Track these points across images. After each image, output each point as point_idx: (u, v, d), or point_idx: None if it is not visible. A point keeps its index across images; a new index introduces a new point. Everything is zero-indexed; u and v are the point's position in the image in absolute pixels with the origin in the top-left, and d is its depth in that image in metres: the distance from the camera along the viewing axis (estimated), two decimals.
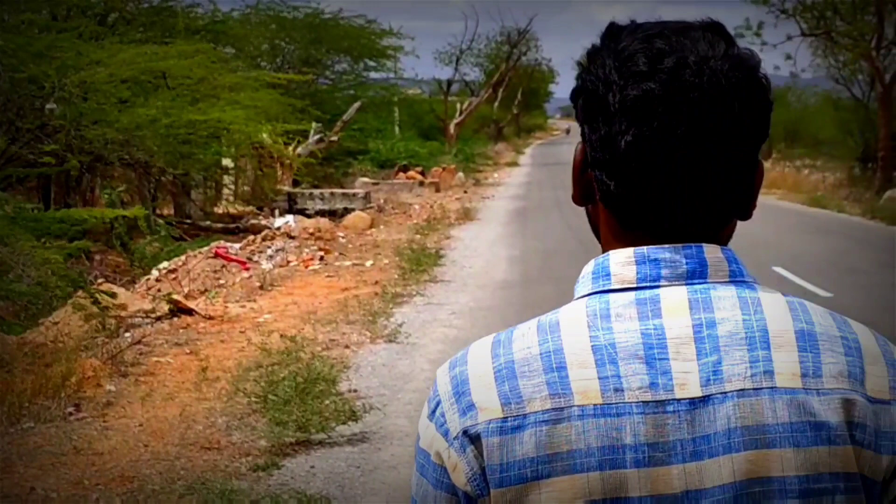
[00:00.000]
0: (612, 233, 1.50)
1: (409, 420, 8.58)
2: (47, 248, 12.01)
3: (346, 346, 11.27)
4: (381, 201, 30.96)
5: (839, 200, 32.94)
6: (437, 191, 37.49)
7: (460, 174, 43.79)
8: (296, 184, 29.87)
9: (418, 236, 22.41)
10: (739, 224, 1.55)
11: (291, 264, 18.05)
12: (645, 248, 1.45)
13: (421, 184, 38.07)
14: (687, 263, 1.44)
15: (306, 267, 17.73)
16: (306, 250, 19.54)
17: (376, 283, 15.68)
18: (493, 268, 17.49)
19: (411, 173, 40.33)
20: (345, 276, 16.66)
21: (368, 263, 18.12)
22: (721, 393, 1.38)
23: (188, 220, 24.19)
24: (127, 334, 11.47)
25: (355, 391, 9.33)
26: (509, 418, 1.40)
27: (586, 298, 1.46)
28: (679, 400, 1.38)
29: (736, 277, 1.46)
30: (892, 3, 35.34)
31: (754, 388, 1.38)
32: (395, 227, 25.08)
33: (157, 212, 23.33)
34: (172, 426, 8.22)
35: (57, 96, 17.51)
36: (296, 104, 27.23)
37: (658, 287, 1.43)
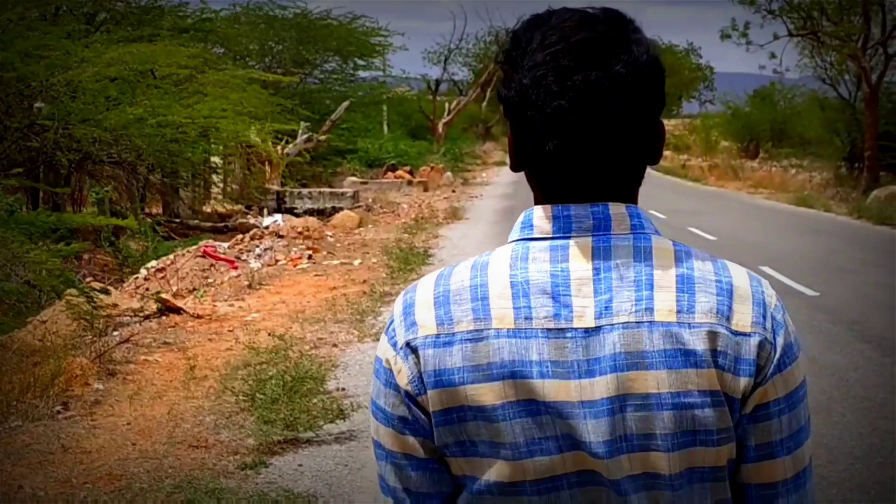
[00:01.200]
0: (540, 194, 1.83)
1: None
2: (42, 249, 12.01)
3: (334, 345, 11.28)
4: (370, 200, 30.98)
5: (826, 200, 33.04)
6: (426, 190, 37.52)
7: (448, 173, 43.84)
8: (284, 183, 29.87)
9: (406, 235, 22.45)
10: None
11: (280, 263, 18.07)
12: (561, 205, 1.78)
13: (409, 183, 38.11)
14: (593, 219, 1.76)
15: (294, 266, 17.75)
16: (294, 249, 19.56)
17: (364, 282, 15.70)
18: None
19: (400, 172, 40.36)
20: (333, 275, 16.68)
21: (356, 262, 18.14)
22: (610, 324, 1.72)
23: (177, 219, 24.19)
24: (115, 333, 11.46)
25: (343, 389, 9.34)
26: (441, 335, 1.76)
27: (513, 244, 1.80)
28: (576, 329, 1.72)
29: (636, 230, 1.77)
30: (878, 4, 35.44)
31: (636, 322, 1.72)
32: (384, 226, 25.11)
33: (146, 211, 23.34)
34: (160, 425, 8.23)
35: (45, 95, 17.51)
36: (285, 104, 27.24)
37: (570, 238, 1.76)
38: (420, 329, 1.78)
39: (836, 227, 26.19)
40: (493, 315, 1.74)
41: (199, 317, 12.60)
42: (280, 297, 14.42)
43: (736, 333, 1.73)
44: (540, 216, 1.78)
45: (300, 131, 30.86)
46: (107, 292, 12.17)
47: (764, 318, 1.76)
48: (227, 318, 12.65)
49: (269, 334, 11.10)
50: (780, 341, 1.76)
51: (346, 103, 36.74)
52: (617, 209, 1.77)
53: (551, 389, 1.71)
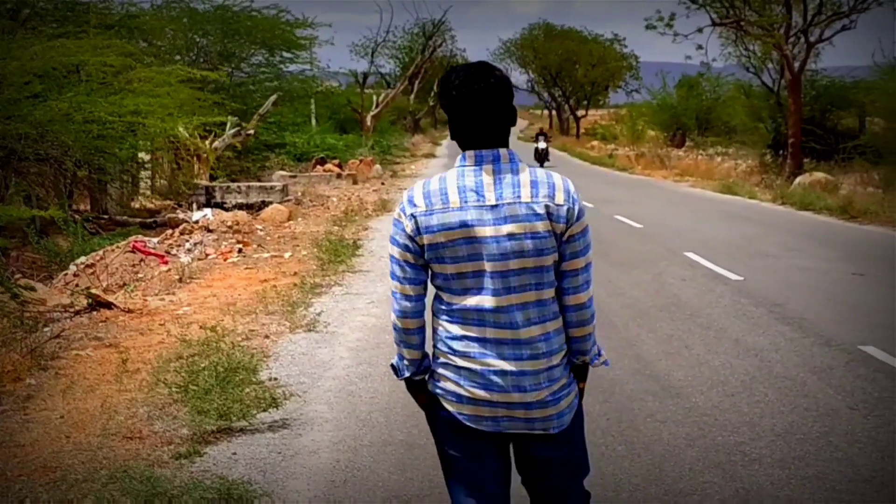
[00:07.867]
0: (462, 147, 3.93)
1: (329, 406, 8.71)
2: None
3: (266, 336, 11.34)
4: (299, 194, 30.96)
5: (750, 187, 33.46)
6: (355, 183, 37.57)
7: (377, 166, 43.84)
8: (213, 178, 29.75)
9: (336, 228, 22.49)
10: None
11: (210, 257, 18.05)
12: (476, 150, 3.87)
13: (338, 176, 38.11)
14: (493, 157, 3.87)
15: (225, 259, 17.74)
16: (225, 243, 19.54)
17: (295, 274, 15.75)
18: None
19: (328, 166, 40.33)
20: (264, 267, 16.71)
21: (287, 255, 18.17)
22: (502, 203, 3.81)
23: (105, 216, 24.02)
24: (46, 329, 11.44)
25: (276, 379, 9.41)
26: (427, 210, 3.85)
27: (456, 168, 3.88)
28: (487, 205, 3.81)
29: (514, 162, 3.88)
30: None
31: (514, 202, 3.81)
32: (313, 219, 25.12)
33: (74, 207, 23.14)
34: (94, 417, 8.25)
35: None
36: (212, 98, 27.10)
37: (482, 165, 3.86)
38: (417, 208, 3.86)
39: (760, 213, 26.57)
40: (450, 200, 3.82)
41: (130, 311, 12.60)
42: (211, 290, 14.44)
43: (557, 205, 3.83)
44: (469, 156, 3.87)
45: (228, 125, 30.73)
46: (31, 288, 12.11)
47: (568, 198, 3.85)
48: (159, 312, 12.66)
49: (201, 327, 11.14)
50: (576, 209, 3.87)
51: (273, 97, 36.65)
52: (504, 152, 3.88)
53: (478, 230, 3.79)
